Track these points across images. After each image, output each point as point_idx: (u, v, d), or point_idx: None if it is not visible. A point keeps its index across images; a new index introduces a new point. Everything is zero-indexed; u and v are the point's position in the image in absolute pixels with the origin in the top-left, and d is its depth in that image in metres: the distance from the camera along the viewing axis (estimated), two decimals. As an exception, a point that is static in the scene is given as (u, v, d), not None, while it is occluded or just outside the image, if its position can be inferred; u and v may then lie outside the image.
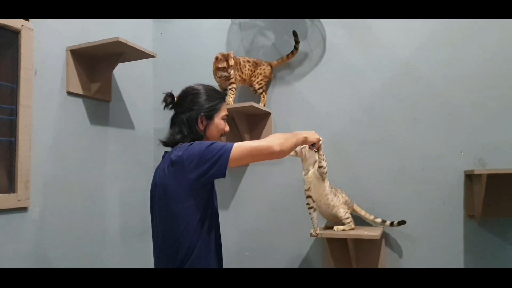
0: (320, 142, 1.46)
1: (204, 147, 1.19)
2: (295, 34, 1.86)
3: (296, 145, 1.32)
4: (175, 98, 1.41)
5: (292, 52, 1.90)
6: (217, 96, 1.40)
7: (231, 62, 1.77)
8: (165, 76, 2.23)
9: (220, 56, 1.77)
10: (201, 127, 1.34)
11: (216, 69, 1.80)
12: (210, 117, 1.35)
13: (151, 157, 2.19)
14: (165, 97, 1.39)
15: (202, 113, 1.34)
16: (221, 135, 1.40)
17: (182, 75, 2.17)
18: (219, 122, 1.37)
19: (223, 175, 1.17)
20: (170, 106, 1.40)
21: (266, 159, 1.23)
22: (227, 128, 1.41)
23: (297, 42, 1.88)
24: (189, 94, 1.38)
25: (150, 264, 1.36)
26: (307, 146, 1.51)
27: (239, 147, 1.18)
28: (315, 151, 1.51)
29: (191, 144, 1.23)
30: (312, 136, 1.41)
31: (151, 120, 2.19)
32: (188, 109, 1.34)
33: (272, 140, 1.21)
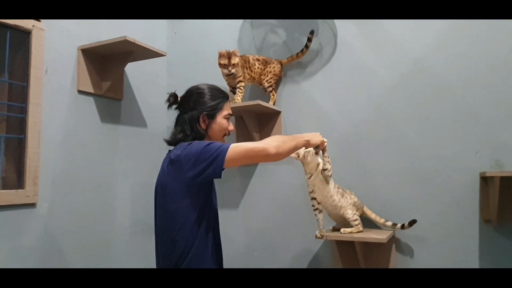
0: (325, 144, 1.43)
1: (202, 147, 1.19)
2: (312, 32, 1.82)
3: (295, 148, 1.29)
4: (179, 98, 1.42)
5: (302, 50, 1.87)
6: (220, 95, 1.39)
7: (234, 60, 1.75)
8: (178, 74, 2.24)
9: (223, 53, 1.77)
10: (203, 126, 1.34)
11: (219, 66, 1.79)
12: (212, 116, 1.35)
13: (164, 155, 2.20)
14: (168, 97, 1.41)
15: (204, 112, 1.34)
16: (224, 135, 1.40)
17: (195, 73, 2.18)
18: (222, 121, 1.37)
19: (219, 175, 1.17)
20: (174, 106, 1.42)
21: (262, 161, 1.22)
22: (231, 127, 1.41)
23: (309, 40, 1.84)
24: (192, 93, 1.39)
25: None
26: (312, 150, 1.47)
27: (235, 148, 1.17)
28: (317, 154, 1.47)
29: (190, 143, 1.24)
30: (315, 138, 1.37)
31: (164, 118, 2.21)
32: (191, 109, 1.35)
33: (269, 143, 1.19)
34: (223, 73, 1.83)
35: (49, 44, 1.62)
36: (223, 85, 1.87)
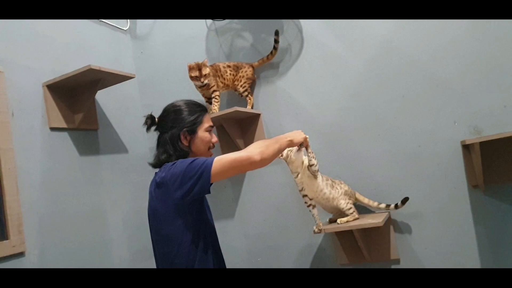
0: (307, 140, 1.43)
1: (186, 165, 1.17)
2: (277, 33, 1.83)
3: (279, 151, 1.28)
4: (156, 119, 1.40)
5: (271, 52, 1.87)
6: (198, 109, 1.38)
7: (205, 71, 1.74)
8: (151, 93, 2.21)
9: (192, 65, 1.75)
10: (185, 143, 1.33)
11: (190, 79, 1.77)
12: (192, 131, 1.34)
13: (150, 177, 2.16)
14: (145, 120, 1.39)
15: (184, 129, 1.32)
16: (209, 148, 1.38)
17: (168, 90, 2.16)
18: (204, 135, 1.35)
19: (208, 191, 1.15)
20: (153, 128, 1.40)
21: (248, 170, 1.20)
22: (214, 139, 1.39)
23: (276, 41, 1.84)
24: (169, 112, 1.38)
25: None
26: (294, 149, 1.47)
27: (220, 161, 1.15)
28: (300, 150, 1.47)
29: (174, 163, 1.22)
30: (298, 136, 1.37)
31: (145, 140, 2.17)
32: (170, 128, 1.34)
33: (252, 150, 1.18)
34: (196, 86, 1.82)
35: (11, 85, 1.57)
36: (199, 97, 1.86)
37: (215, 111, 1.80)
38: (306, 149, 1.46)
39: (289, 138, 1.33)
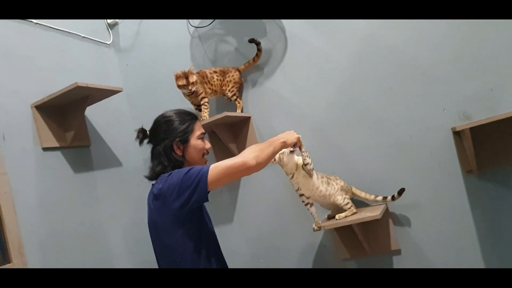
0: (300, 139, 1.44)
1: (182, 175, 1.17)
2: (251, 41, 1.84)
3: (274, 154, 1.29)
4: (148, 132, 1.41)
5: (257, 54, 1.88)
6: (188, 117, 1.38)
7: (192, 78, 1.75)
8: (140, 105, 2.21)
9: (179, 74, 1.75)
10: (178, 153, 1.33)
11: (178, 87, 1.78)
12: (185, 140, 1.34)
13: (147, 188, 2.16)
14: (137, 134, 1.39)
15: (176, 139, 1.32)
16: (203, 155, 1.38)
17: (157, 101, 2.15)
18: (196, 143, 1.35)
19: (206, 200, 1.16)
20: (146, 141, 1.40)
21: (245, 175, 1.20)
22: (207, 146, 1.40)
23: (258, 44, 1.85)
24: (160, 123, 1.38)
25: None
26: (285, 151, 1.47)
27: (215, 168, 1.16)
28: (293, 152, 1.48)
29: (170, 174, 1.22)
30: (291, 137, 1.37)
31: (138, 153, 2.16)
32: (162, 139, 1.34)
33: (246, 155, 1.18)
34: (184, 94, 1.82)
35: (0, 109, 1.57)
36: (188, 105, 1.86)
37: (205, 117, 1.81)
38: (300, 148, 1.47)
39: (282, 140, 1.33)
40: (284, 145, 1.34)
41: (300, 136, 1.43)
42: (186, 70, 1.75)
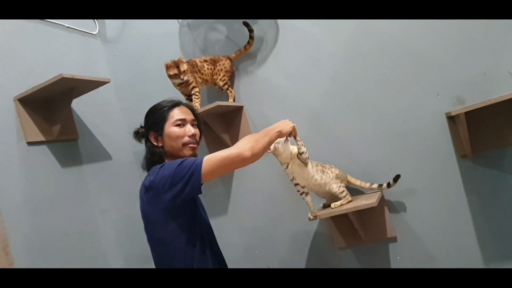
0: (295, 128, 1.41)
1: (174, 167, 1.14)
2: (246, 24, 1.79)
3: (270, 143, 1.26)
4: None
5: (248, 42, 1.83)
6: (165, 105, 1.34)
7: (183, 67, 1.70)
8: (129, 97, 2.15)
9: (169, 63, 1.70)
10: (156, 144, 1.30)
11: (169, 77, 1.73)
12: (158, 130, 1.29)
13: (138, 182, 2.11)
14: (134, 135, 1.38)
15: (151, 130, 1.30)
16: (185, 143, 1.29)
17: (145, 91, 2.10)
18: (171, 131, 1.29)
19: (199, 192, 1.13)
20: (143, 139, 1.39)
21: (240, 167, 1.17)
22: (189, 132, 1.31)
23: (251, 31, 1.81)
24: (144, 118, 1.37)
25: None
26: (280, 140, 1.44)
27: (209, 160, 1.12)
28: (287, 140, 1.45)
29: (162, 165, 1.19)
30: (286, 126, 1.34)
31: (128, 145, 2.11)
32: (146, 133, 1.34)
33: (241, 146, 1.15)
34: (174, 84, 1.77)
35: (-19, 104, 1.51)
36: (178, 96, 1.81)
37: (196, 107, 1.76)
38: (295, 137, 1.44)
39: (277, 129, 1.30)
40: (280, 134, 1.31)
41: (295, 125, 1.40)
42: (176, 59, 1.70)
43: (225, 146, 1.91)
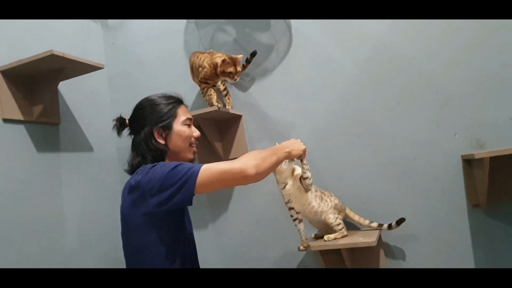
0: (305, 151, 1.28)
1: (167, 170, 1.00)
2: (253, 54, 1.67)
3: (277, 164, 1.13)
4: (127, 120, 1.26)
5: (243, 65, 1.69)
6: (170, 101, 1.23)
7: (239, 68, 1.58)
8: (122, 88, 2.02)
9: (227, 60, 1.55)
10: (160, 141, 1.17)
11: (221, 73, 1.57)
12: (167, 126, 1.18)
13: (117, 180, 1.96)
14: (114, 124, 1.24)
15: (157, 125, 1.17)
16: (191, 144, 1.22)
17: (141, 86, 1.97)
18: (181, 129, 1.19)
19: (189, 203, 0.99)
20: (124, 130, 1.26)
21: (240, 185, 1.03)
22: (196, 134, 1.24)
23: (252, 56, 1.67)
24: (138, 109, 1.24)
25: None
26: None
27: (207, 170, 0.99)
28: (294, 159, 1.31)
29: (154, 166, 1.06)
30: (297, 148, 1.22)
31: (112, 139, 1.96)
32: (142, 127, 1.19)
33: (246, 162, 1.01)
34: (217, 81, 1.63)
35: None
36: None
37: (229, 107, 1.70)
38: (301, 160, 1.31)
39: (287, 150, 1.18)
40: (288, 156, 1.19)
41: (306, 147, 1.27)
42: (234, 56, 1.57)
43: (216, 154, 1.77)
